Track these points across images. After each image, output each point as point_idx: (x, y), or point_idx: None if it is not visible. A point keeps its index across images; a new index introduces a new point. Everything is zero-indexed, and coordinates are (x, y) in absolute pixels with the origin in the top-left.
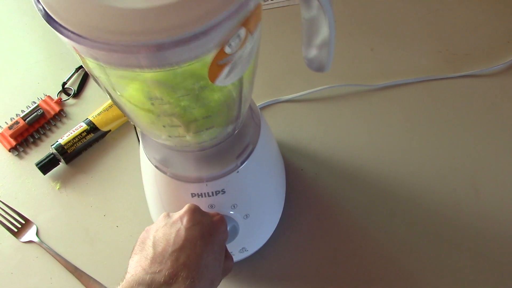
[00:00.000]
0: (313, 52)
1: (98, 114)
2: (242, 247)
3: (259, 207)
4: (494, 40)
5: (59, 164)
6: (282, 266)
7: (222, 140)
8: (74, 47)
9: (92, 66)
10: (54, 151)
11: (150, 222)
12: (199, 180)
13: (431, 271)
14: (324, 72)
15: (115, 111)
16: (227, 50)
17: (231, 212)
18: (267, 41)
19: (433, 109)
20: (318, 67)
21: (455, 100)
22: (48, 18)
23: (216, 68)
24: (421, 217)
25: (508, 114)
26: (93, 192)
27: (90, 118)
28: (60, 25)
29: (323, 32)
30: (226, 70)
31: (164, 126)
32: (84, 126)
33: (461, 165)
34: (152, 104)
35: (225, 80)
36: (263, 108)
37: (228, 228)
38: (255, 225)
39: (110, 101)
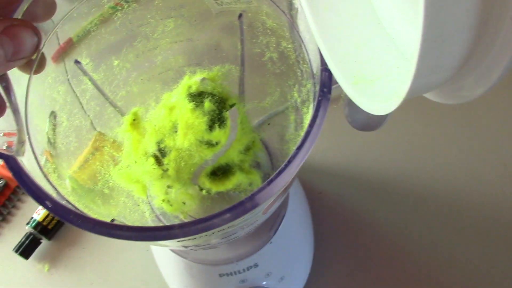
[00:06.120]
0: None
1: (80, 168)
2: None
3: (294, 265)
4: None
5: (41, 242)
6: None
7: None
8: None
9: None
10: (32, 230)
11: None
12: (227, 262)
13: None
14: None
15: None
16: None
17: (263, 283)
18: None
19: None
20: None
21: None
22: None
23: None
24: (461, 220)
25: None
26: (90, 266)
27: (71, 174)
28: None
29: None
30: None
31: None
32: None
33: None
34: (185, 247)
35: None
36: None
37: None
38: (291, 281)
39: (90, 146)
